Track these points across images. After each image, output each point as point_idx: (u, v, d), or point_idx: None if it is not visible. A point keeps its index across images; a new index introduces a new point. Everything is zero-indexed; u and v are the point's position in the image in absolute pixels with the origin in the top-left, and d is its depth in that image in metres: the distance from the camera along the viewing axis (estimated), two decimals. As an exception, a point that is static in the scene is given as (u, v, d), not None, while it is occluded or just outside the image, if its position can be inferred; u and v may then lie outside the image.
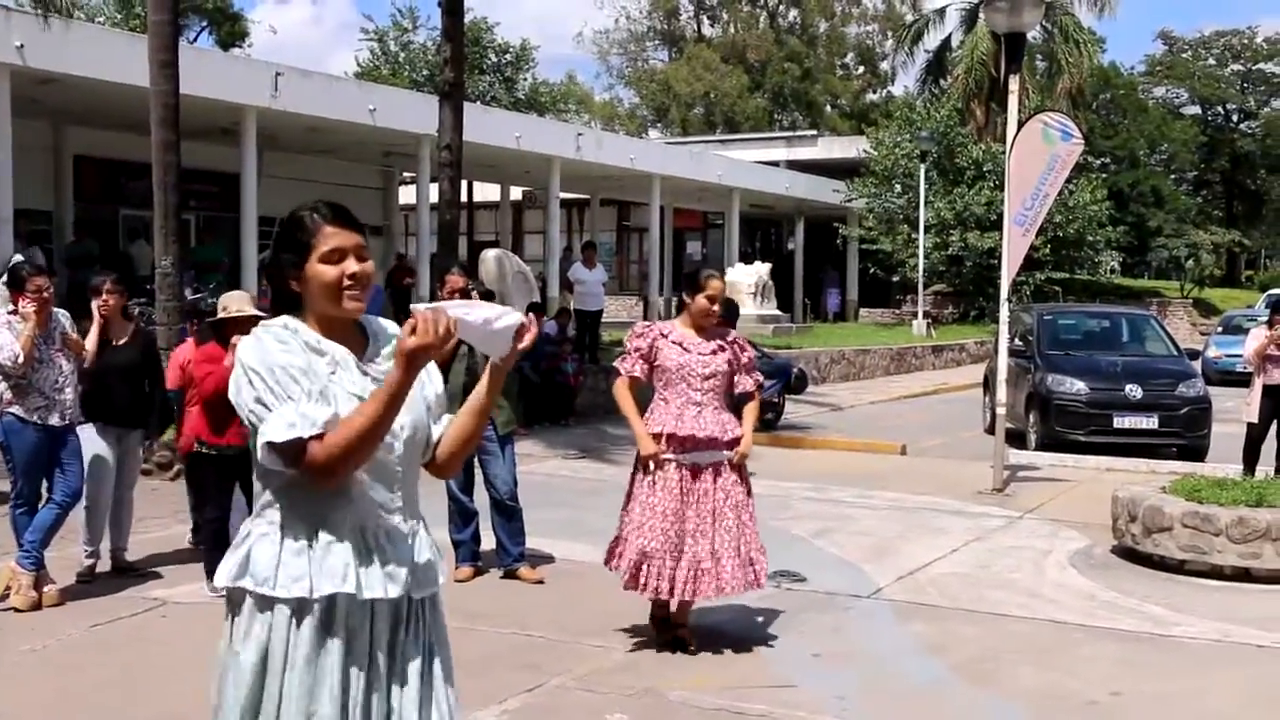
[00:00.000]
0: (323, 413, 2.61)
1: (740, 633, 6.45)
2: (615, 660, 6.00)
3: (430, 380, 2.89)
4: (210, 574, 7.12)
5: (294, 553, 2.70)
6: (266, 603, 2.70)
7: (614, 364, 6.01)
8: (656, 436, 6.00)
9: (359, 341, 2.80)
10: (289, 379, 2.63)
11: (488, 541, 7.70)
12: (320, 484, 2.63)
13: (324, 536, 2.71)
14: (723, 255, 35.12)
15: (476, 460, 7.51)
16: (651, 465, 5.98)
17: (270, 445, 2.59)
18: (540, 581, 7.47)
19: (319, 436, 2.59)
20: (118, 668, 5.83)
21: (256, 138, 20.10)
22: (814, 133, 47.33)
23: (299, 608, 2.69)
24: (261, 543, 2.73)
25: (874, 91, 63.00)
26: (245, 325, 7.15)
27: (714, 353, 6.06)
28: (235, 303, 7.22)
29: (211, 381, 6.90)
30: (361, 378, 2.74)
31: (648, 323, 6.26)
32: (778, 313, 28.16)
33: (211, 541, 7.16)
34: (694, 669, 5.85)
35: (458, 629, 6.40)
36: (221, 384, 6.88)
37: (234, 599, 2.79)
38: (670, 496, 5.93)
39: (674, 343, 6.08)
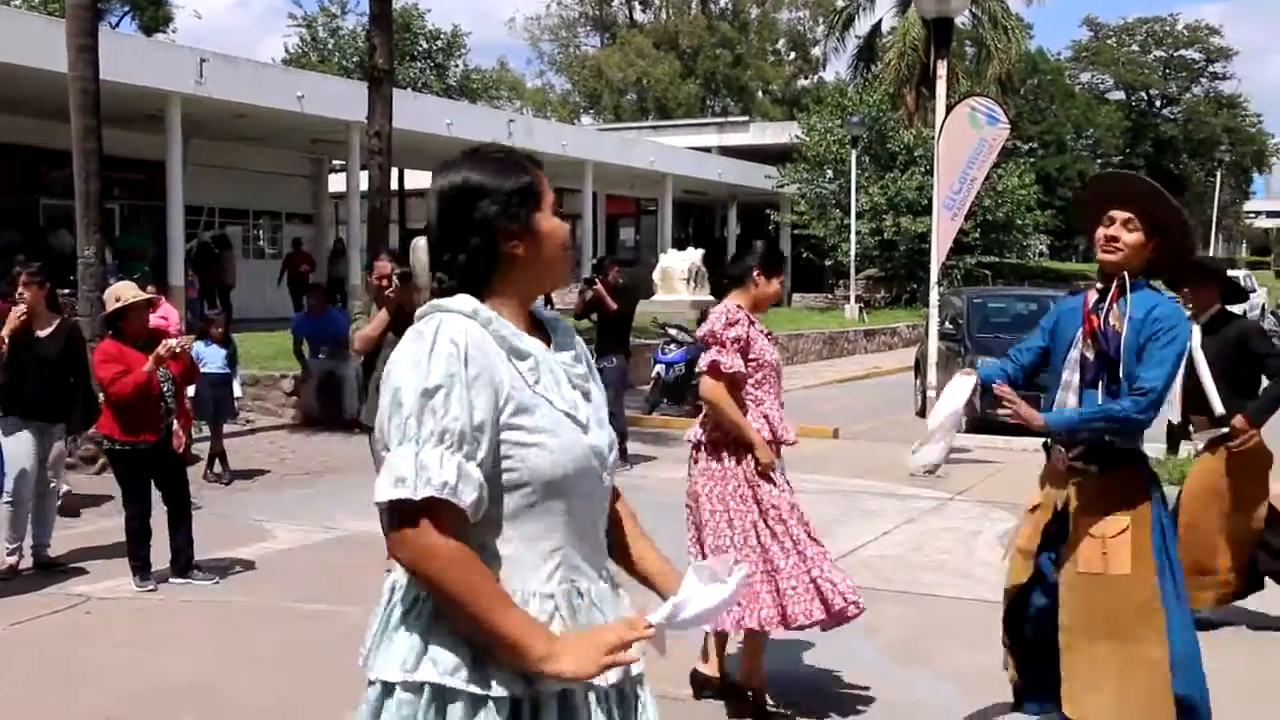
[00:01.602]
0: (452, 473, 1.89)
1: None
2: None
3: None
4: (136, 570, 7.01)
5: None
6: (471, 702, 1.95)
7: (710, 358, 4.96)
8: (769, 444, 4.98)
9: (541, 334, 2.16)
10: (444, 403, 1.91)
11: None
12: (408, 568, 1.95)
13: (533, 604, 2.01)
14: (656, 241, 35.14)
15: None
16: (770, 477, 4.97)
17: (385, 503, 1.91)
18: None
19: (436, 509, 1.88)
20: (40, 666, 5.71)
21: (182, 125, 19.77)
22: (746, 119, 47.48)
23: (512, 710, 1.97)
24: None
25: (805, 77, 63.33)
26: (141, 314, 7.02)
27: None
28: (126, 292, 7.07)
29: (128, 384, 6.75)
30: (571, 390, 2.10)
31: (731, 305, 5.13)
32: (711, 298, 28.18)
33: (134, 538, 7.04)
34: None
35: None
36: (139, 388, 6.75)
37: (398, 695, 1.98)
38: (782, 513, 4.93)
39: (761, 331, 5.16)
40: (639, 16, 65.01)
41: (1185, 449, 10.55)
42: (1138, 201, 3.83)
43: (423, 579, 1.89)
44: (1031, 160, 39.04)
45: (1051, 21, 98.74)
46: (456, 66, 42.42)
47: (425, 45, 41.14)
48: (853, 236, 31.24)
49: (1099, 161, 54.59)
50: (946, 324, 14.54)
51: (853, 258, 31.60)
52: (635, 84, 60.64)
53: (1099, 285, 3.93)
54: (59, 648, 6.00)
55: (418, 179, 34.09)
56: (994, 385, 4.01)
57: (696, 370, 16.51)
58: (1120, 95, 60.97)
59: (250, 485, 10.53)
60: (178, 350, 6.99)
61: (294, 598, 6.83)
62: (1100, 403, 3.82)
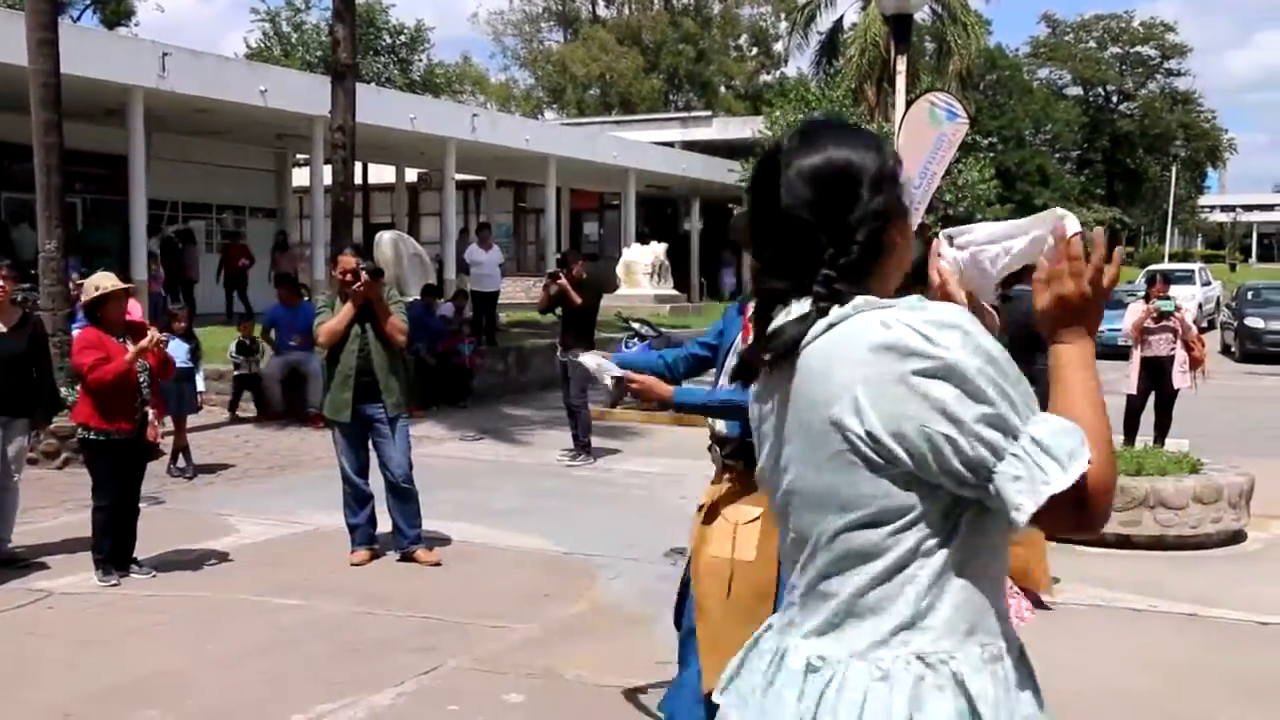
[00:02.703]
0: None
1: (638, 610, 6.48)
2: (512, 641, 5.99)
3: None
4: (99, 564, 6.97)
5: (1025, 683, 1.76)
6: None
7: None
8: None
9: None
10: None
11: (384, 524, 7.64)
12: (1085, 531, 1.68)
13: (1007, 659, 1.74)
14: (620, 236, 35.13)
15: (370, 443, 7.46)
16: None
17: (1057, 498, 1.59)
18: (437, 564, 7.44)
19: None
20: (2, 661, 5.66)
21: (144, 119, 19.56)
22: (709, 113, 47.47)
23: None
24: (981, 678, 1.69)
25: (768, 73, 63.42)
26: (120, 303, 7.01)
27: None
28: (105, 281, 7.06)
29: (108, 372, 6.77)
30: None
31: None
32: (675, 292, 28.29)
33: (99, 529, 7.00)
34: (592, 648, 5.87)
35: (354, 613, 6.37)
36: (119, 376, 6.77)
37: None
38: None
39: None
40: (602, 12, 64.95)
41: (1140, 440, 10.69)
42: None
43: (1107, 504, 1.64)
44: (991, 155, 39.30)
45: (1010, 17, 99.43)
46: (420, 61, 42.21)
47: (389, 40, 40.92)
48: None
49: (1057, 156, 55.01)
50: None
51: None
52: (599, 79, 60.54)
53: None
54: (19, 644, 5.95)
55: (382, 174, 33.93)
56: (619, 371, 4.19)
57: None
58: (1078, 91, 61.47)
59: (213, 479, 10.47)
60: (162, 342, 7.01)
61: (259, 591, 6.81)
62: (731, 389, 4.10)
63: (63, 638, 6.03)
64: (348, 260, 7.42)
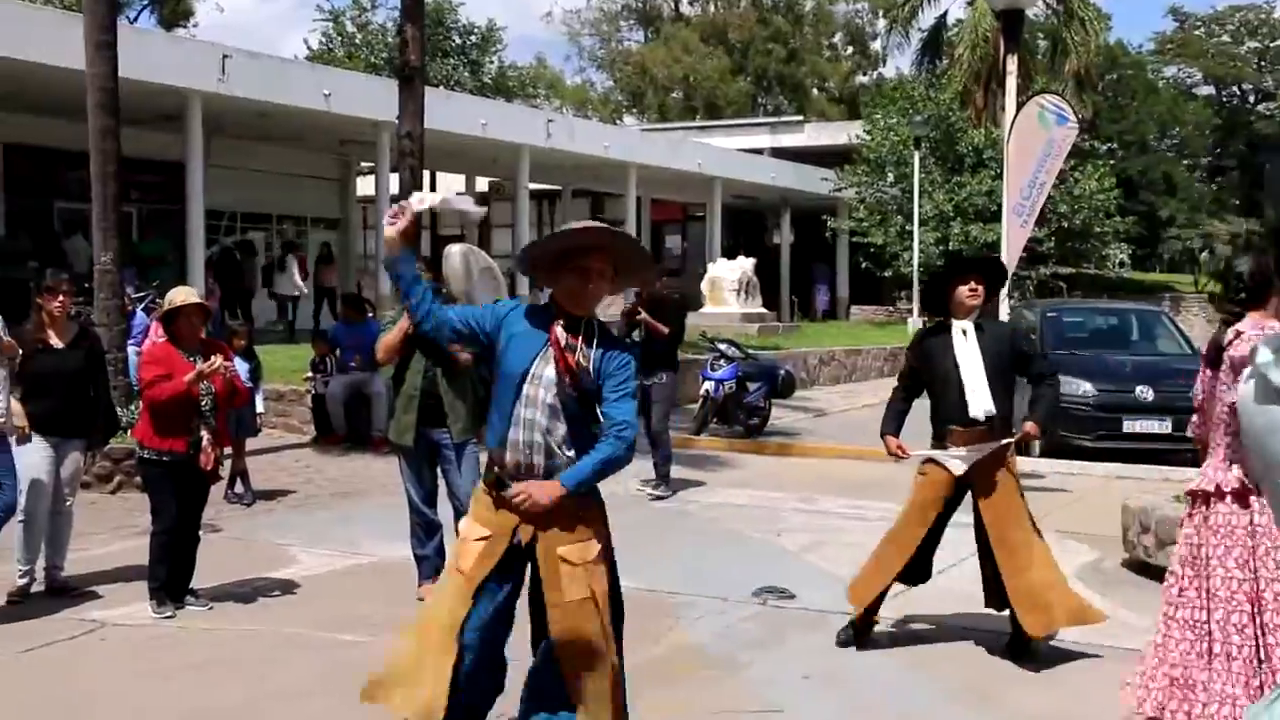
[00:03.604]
0: None
1: (724, 653, 6.46)
2: (591, 684, 6.00)
3: None
4: (154, 593, 7.12)
5: None
6: None
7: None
8: None
9: None
10: None
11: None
12: None
13: None
14: (704, 250, 35.15)
15: (439, 471, 7.53)
16: None
17: None
18: None
19: None
20: (51, 695, 5.80)
21: (203, 124, 20.05)
22: (800, 118, 47.44)
23: None
24: None
25: (864, 74, 63.29)
26: (191, 319, 7.17)
27: None
28: (178, 296, 7.26)
29: (165, 390, 6.95)
30: None
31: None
32: (763, 311, 28.22)
33: (155, 556, 7.15)
34: (672, 694, 5.86)
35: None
36: (177, 397, 6.93)
37: None
38: None
39: None
40: (685, 9, 65.24)
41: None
42: (605, 249, 4.38)
43: None
44: (1111, 162, 38.75)
45: (1133, 11, 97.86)
46: (491, 63, 42.71)
47: (459, 40, 41.46)
48: (915, 245, 31.13)
49: (1185, 162, 54.10)
50: (1018, 340, 14.47)
51: (915, 268, 31.46)
52: (681, 81, 60.78)
53: (562, 323, 4.31)
54: (71, 676, 6.10)
55: (450, 183, 34.32)
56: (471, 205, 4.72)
57: (751, 389, 16.47)
58: (1209, 90, 60.41)
59: (273, 506, 10.64)
60: (222, 371, 7.12)
61: (321, 626, 6.90)
62: (597, 449, 4.28)
63: (115, 671, 6.16)
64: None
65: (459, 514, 7.50)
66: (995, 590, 6.46)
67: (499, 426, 4.31)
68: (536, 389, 4.24)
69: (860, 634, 6.59)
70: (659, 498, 11.14)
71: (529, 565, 4.40)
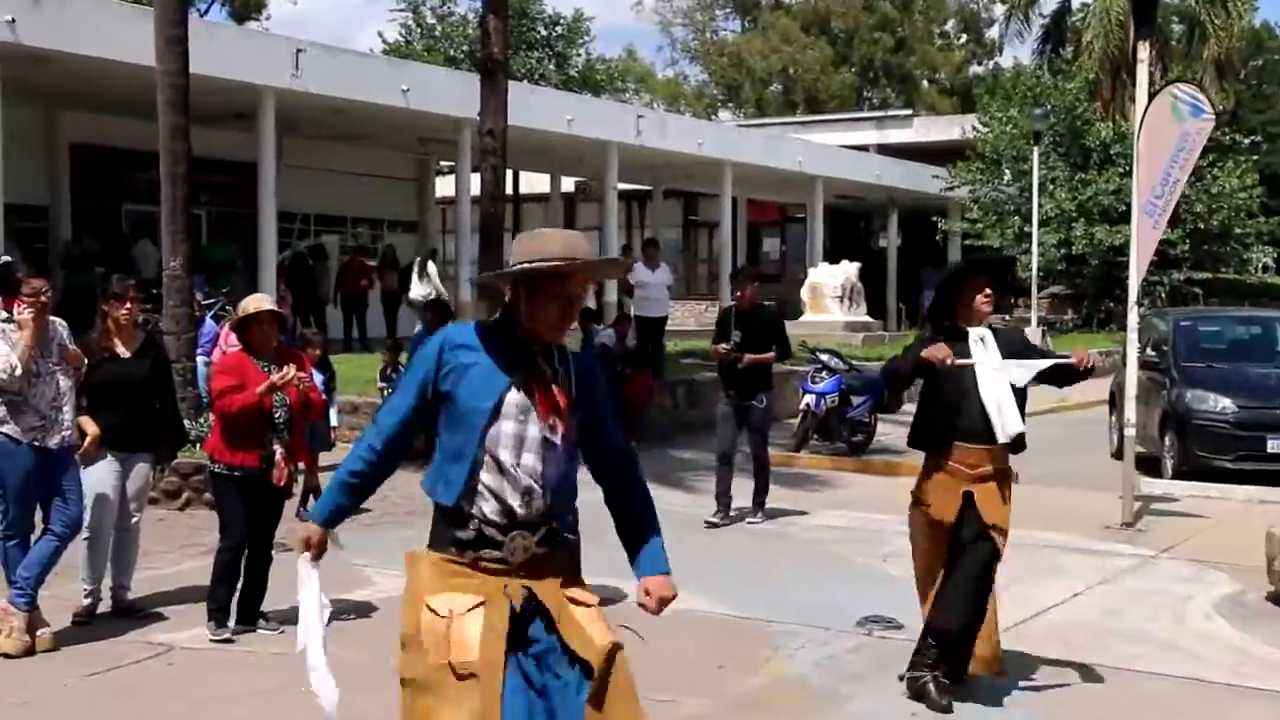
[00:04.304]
0: None
1: (826, 686, 6.41)
2: (680, 717, 6.00)
3: None
4: (213, 614, 7.22)
5: None
6: None
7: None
8: None
9: None
10: None
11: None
12: None
13: None
14: (805, 253, 35.03)
15: None
16: None
17: None
18: None
19: None
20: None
21: (275, 123, 20.36)
22: (909, 112, 47.09)
23: None
24: None
25: (979, 63, 62.65)
26: (264, 327, 7.29)
27: None
28: (251, 303, 7.40)
29: (235, 402, 7.10)
30: None
31: None
32: (868, 319, 28.03)
33: (217, 574, 7.26)
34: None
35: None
36: (248, 409, 7.06)
37: None
38: None
39: None
40: (786, -4, 65.11)
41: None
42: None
43: None
44: (1254, 157, 37.94)
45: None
46: (578, 56, 42.92)
47: (544, 32, 41.74)
48: (1034, 247, 30.72)
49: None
50: (1148, 351, 14.20)
51: (1034, 272, 31.03)
52: (781, 73, 60.67)
53: (540, 352, 3.91)
54: (137, 702, 6.21)
55: (535, 182, 34.57)
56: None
57: (855, 403, 16.34)
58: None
59: (348, 525, 10.73)
60: (296, 383, 7.23)
61: (395, 652, 6.93)
62: (641, 495, 4.22)
63: (181, 697, 6.27)
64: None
65: None
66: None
67: (452, 476, 3.82)
68: (518, 427, 3.81)
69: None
70: (754, 523, 11.02)
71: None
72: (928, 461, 6.32)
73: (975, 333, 6.23)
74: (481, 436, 3.77)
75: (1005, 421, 6.11)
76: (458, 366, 3.83)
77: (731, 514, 10.99)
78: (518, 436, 3.79)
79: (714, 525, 10.77)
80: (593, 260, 4.05)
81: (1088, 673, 6.72)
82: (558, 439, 3.85)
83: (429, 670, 3.80)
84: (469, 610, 3.74)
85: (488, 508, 3.77)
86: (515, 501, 3.77)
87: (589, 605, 3.96)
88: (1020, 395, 6.19)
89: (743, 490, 11.12)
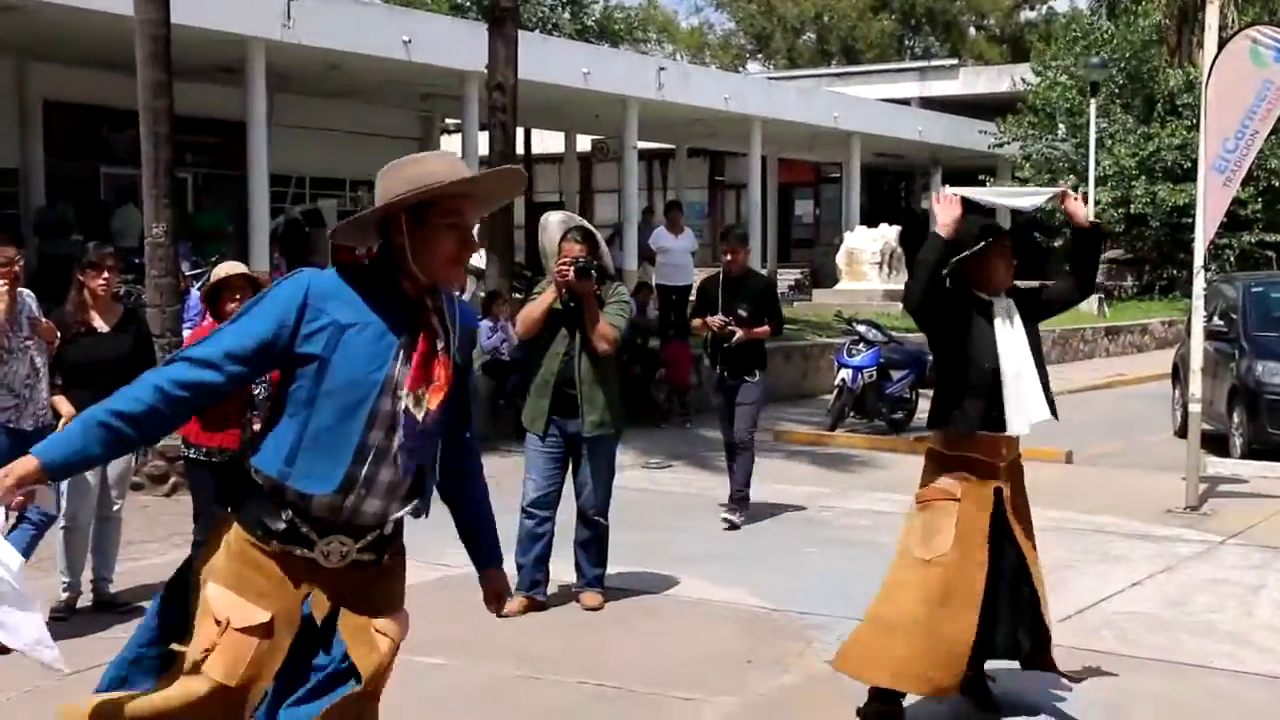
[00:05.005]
0: None
1: (862, 686, 6.39)
2: (705, 718, 6.01)
3: None
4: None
5: None
6: None
7: None
8: None
9: None
10: None
11: (562, 573, 7.80)
12: None
13: None
14: (840, 217, 34.94)
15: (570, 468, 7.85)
16: None
17: None
18: (596, 608, 7.73)
19: None
20: (101, 723, 5.93)
21: (266, 78, 20.34)
22: (954, 62, 46.88)
23: None
24: None
25: (1030, 8, 62.23)
26: (236, 293, 7.24)
27: None
28: (223, 268, 7.39)
29: None
30: None
31: None
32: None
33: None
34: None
35: (514, 677, 6.46)
36: None
37: None
38: None
39: None
40: (820, -64, 64.83)
41: None
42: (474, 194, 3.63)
43: None
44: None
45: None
46: (595, 3, 42.80)
47: (557, -23, 41.61)
48: (1091, 208, 30.57)
49: None
50: (1215, 320, 14.12)
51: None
52: (814, 21, 60.42)
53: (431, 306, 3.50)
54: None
55: (548, 141, 34.50)
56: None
57: (895, 377, 16.28)
58: None
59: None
60: None
61: (403, 647, 6.95)
62: (477, 485, 3.96)
63: (169, 696, 6.29)
64: (573, 247, 7.61)
65: (582, 518, 7.84)
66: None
67: (324, 463, 3.37)
68: (392, 402, 3.40)
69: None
70: (733, 526, 10.17)
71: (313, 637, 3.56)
72: (945, 452, 5.83)
73: (1000, 304, 5.85)
74: (370, 416, 3.37)
75: (1033, 406, 5.70)
76: (330, 325, 3.35)
77: (722, 505, 10.45)
78: (391, 414, 3.41)
79: (733, 526, 10.17)
80: (502, 169, 3.72)
81: (1149, 668, 6.70)
82: (422, 416, 3.44)
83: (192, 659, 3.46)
84: (247, 629, 3.41)
85: (347, 502, 3.41)
86: (378, 501, 3.45)
87: (390, 638, 3.72)
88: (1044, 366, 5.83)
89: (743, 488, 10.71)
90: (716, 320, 10.14)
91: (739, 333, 10.09)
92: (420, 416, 3.42)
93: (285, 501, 3.39)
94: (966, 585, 5.49)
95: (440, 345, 3.46)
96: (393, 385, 3.37)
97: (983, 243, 5.82)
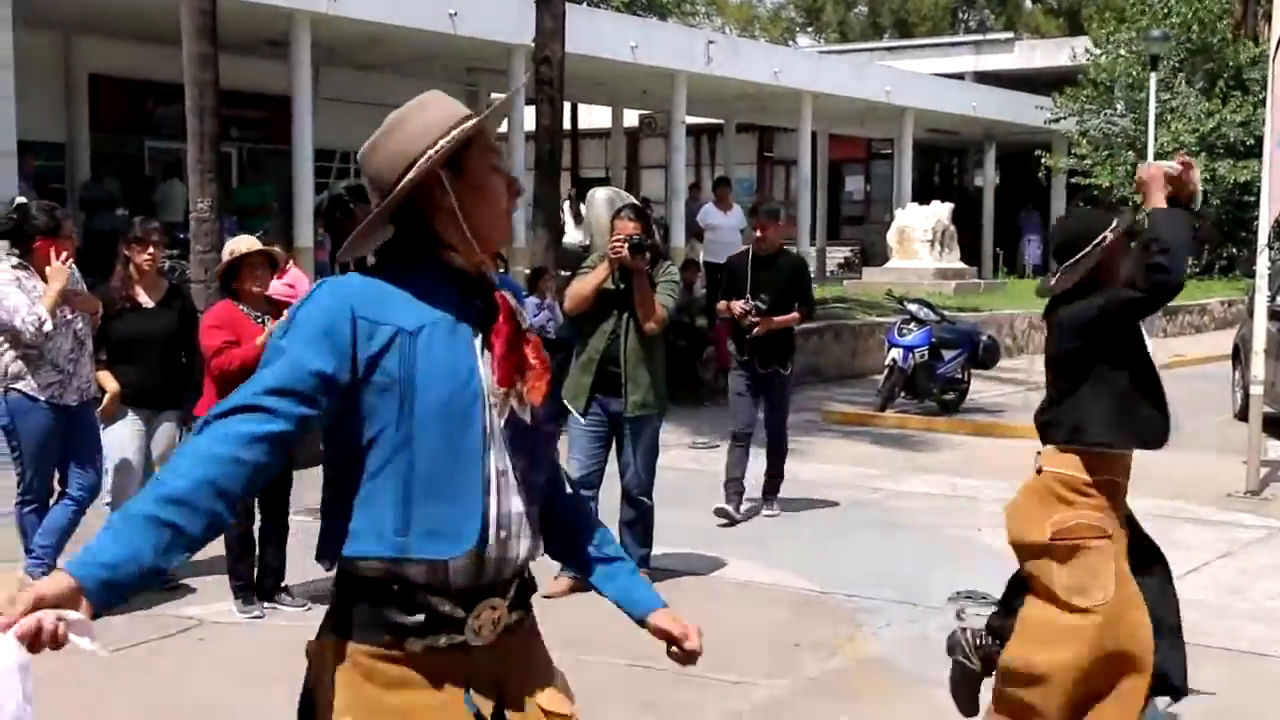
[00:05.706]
0: None
1: (913, 669, 6.38)
2: (756, 700, 6.02)
3: None
4: (238, 592, 7.29)
5: None
6: None
7: None
8: None
9: None
10: None
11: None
12: None
13: None
14: (891, 194, 34.76)
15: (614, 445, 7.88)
16: None
17: None
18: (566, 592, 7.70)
19: None
20: (143, 700, 5.99)
21: (311, 52, 20.40)
22: (1010, 35, 46.52)
23: None
24: None
25: (1090, -20, 61.69)
26: (255, 270, 7.25)
27: None
28: (240, 245, 7.39)
29: (234, 358, 6.96)
30: None
31: None
32: (961, 266, 27.79)
33: (234, 553, 7.28)
34: (854, 712, 5.82)
35: (562, 658, 6.47)
36: (247, 364, 6.94)
37: None
38: None
39: None
40: (873, -93, 64.46)
41: None
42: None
43: None
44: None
45: None
46: (642, -25, 42.76)
47: (604, -51, 41.57)
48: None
49: None
50: (1279, 300, 13.98)
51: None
52: (867, -7, 60.07)
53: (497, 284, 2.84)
54: (165, 679, 6.29)
55: (595, 116, 34.47)
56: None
57: (947, 357, 16.21)
58: None
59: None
60: None
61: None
62: (585, 509, 3.22)
63: (215, 674, 6.37)
64: (627, 225, 7.66)
65: (626, 498, 7.85)
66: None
67: (450, 512, 2.64)
68: (502, 408, 2.73)
69: None
70: (731, 521, 9.71)
71: None
72: (1087, 477, 5.07)
73: None
74: (482, 433, 2.68)
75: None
76: (396, 335, 2.63)
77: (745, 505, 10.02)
78: (496, 423, 2.73)
79: (729, 518, 9.69)
80: (503, 101, 3.27)
81: (1207, 655, 6.64)
82: (529, 415, 2.79)
83: None
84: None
85: (495, 551, 2.71)
86: (510, 546, 2.75)
87: (567, 716, 3.02)
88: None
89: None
90: (738, 306, 9.65)
91: (758, 325, 9.60)
92: (527, 417, 2.77)
93: (411, 584, 2.66)
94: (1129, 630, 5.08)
95: (523, 324, 2.79)
96: (488, 387, 2.69)
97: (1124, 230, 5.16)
